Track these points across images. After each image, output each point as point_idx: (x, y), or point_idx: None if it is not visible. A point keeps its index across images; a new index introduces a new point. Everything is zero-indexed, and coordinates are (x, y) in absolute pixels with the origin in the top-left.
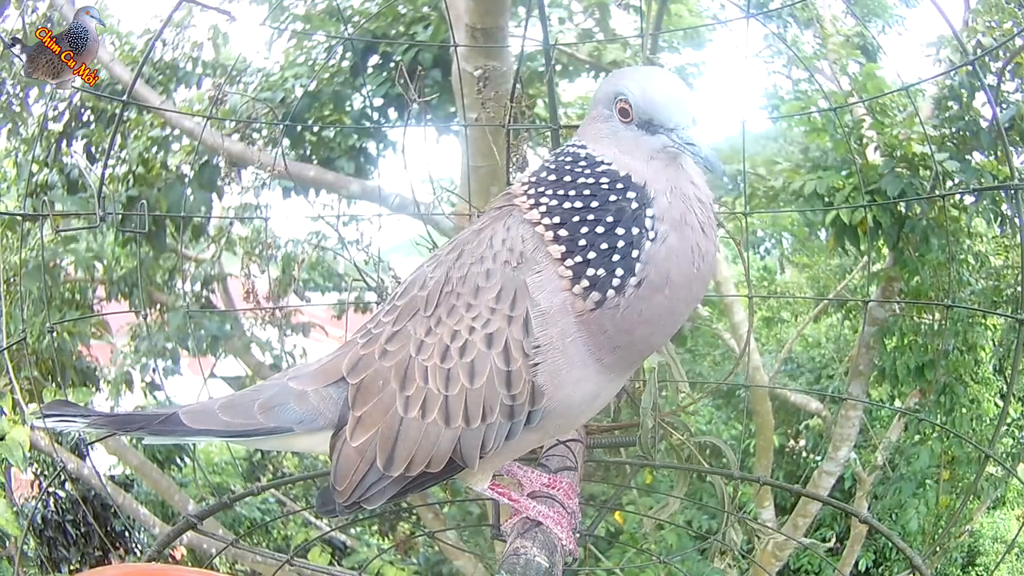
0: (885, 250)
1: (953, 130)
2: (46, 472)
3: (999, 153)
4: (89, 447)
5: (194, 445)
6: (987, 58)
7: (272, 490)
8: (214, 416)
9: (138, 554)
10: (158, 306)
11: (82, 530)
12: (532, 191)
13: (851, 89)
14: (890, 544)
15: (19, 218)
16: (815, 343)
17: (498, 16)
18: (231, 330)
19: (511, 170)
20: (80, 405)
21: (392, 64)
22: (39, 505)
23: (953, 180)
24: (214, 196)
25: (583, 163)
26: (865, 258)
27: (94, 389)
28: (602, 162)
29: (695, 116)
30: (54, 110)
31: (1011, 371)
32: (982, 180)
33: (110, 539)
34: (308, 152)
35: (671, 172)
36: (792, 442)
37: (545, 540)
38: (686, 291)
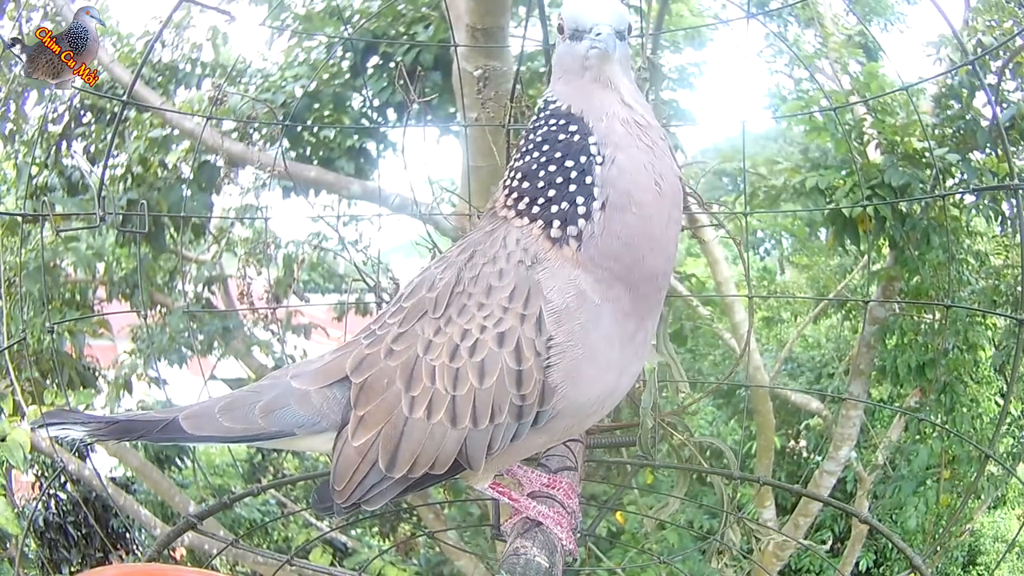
0: (885, 250)
1: (953, 129)
2: (47, 473)
3: (999, 152)
4: (89, 448)
5: (194, 447)
6: (987, 57)
7: (273, 491)
8: (214, 421)
9: (139, 555)
10: (159, 307)
11: (83, 531)
12: (509, 182)
13: (852, 88)
14: (890, 544)
15: (19, 219)
16: (815, 343)
17: (498, 16)
18: (232, 331)
19: None
20: (81, 412)
21: (392, 64)
22: (40, 506)
23: (954, 176)
24: (214, 196)
25: (542, 112)
26: (865, 258)
27: (94, 391)
28: (552, 102)
29: (615, 21)
30: (54, 112)
31: (1011, 370)
32: (982, 179)
33: (111, 540)
34: (307, 153)
35: (601, 96)
36: (793, 442)
37: (545, 540)
38: (655, 209)
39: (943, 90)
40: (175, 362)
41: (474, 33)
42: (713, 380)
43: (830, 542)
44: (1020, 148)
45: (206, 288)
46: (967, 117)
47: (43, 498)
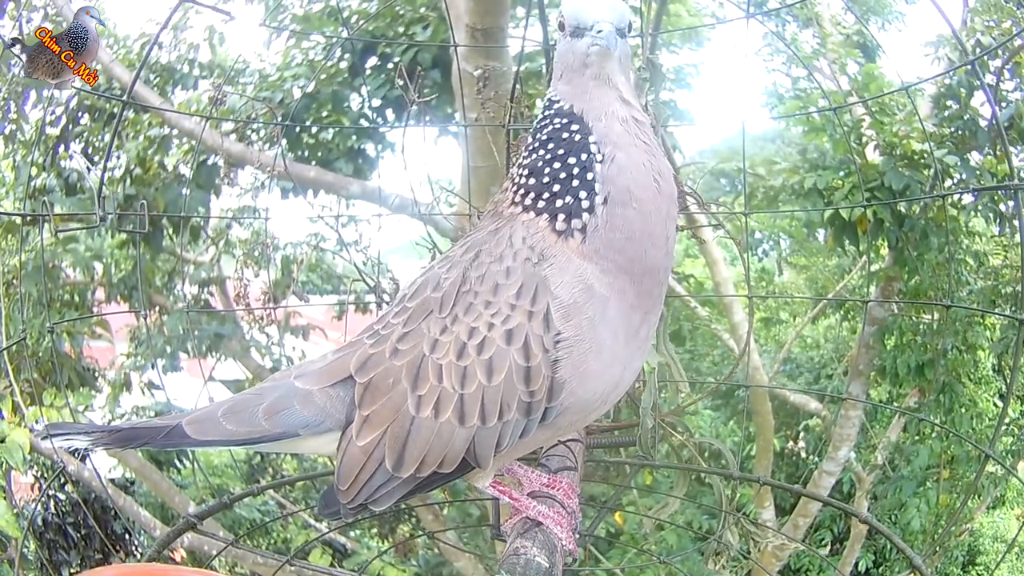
0: (884, 250)
1: (952, 129)
2: (46, 474)
3: (998, 152)
4: (89, 451)
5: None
6: (986, 57)
7: (272, 492)
8: (218, 425)
9: (138, 556)
10: (157, 308)
11: (82, 532)
12: (516, 179)
13: (851, 89)
14: (890, 544)
15: (18, 220)
16: (814, 344)
17: (498, 16)
18: (226, 336)
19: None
20: (84, 423)
21: (391, 65)
22: (39, 507)
23: (953, 178)
24: (212, 196)
25: (546, 110)
26: (864, 258)
27: (93, 392)
28: (555, 102)
29: (616, 18)
30: (52, 115)
31: (1011, 370)
32: (981, 179)
33: (111, 541)
34: (306, 154)
35: (600, 94)
36: (792, 443)
37: (545, 540)
38: (654, 205)
39: (942, 90)
40: (169, 369)
41: (474, 33)
42: (712, 380)
43: (829, 542)
44: (1019, 148)
45: (203, 289)
46: (965, 117)
47: (43, 499)
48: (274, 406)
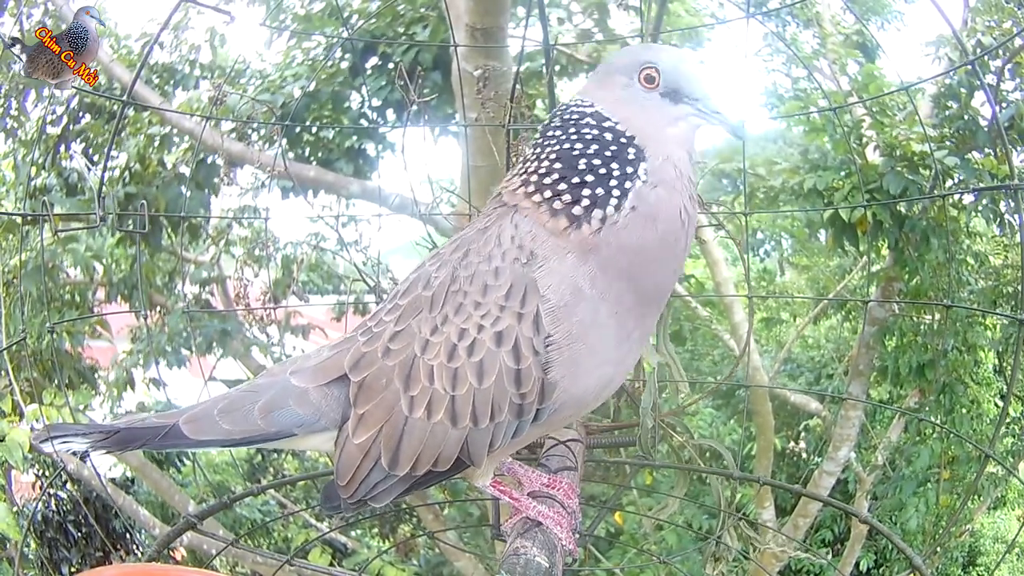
0: (885, 250)
1: (952, 129)
2: (46, 473)
3: (998, 152)
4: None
5: None
6: (986, 57)
7: (272, 491)
8: (215, 424)
9: (139, 555)
10: (158, 308)
11: (83, 531)
12: (535, 163)
13: (851, 89)
14: (890, 544)
15: (18, 219)
16: (814, 344)
17: (498, 16)
18: (230, 334)
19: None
20: (82, 424)
21: (391, 65)
22: (40, 506)
23: (953, 178)
24: (212, 198)
25: (589, 119)
26: (865, 258)
27: (93, 392)
28: (609, 118)
29: (718, 94)
30: (52, 114)
31: (1011, 371)
32: (981, 180)
33: (111, 540)
34: (306, 153)
35: (674, 147)
36: (792, 443)
37: (545, 540)
38: (674, 237)
39: (942, 90)
40: (173, 364)
41: (474, 33)
42: (712, 380)
43: (830, 543)
44: (1020, 148)
45: (202, 289)
46: (965, 117)
47: (43, 498)
48: (270, 404)
